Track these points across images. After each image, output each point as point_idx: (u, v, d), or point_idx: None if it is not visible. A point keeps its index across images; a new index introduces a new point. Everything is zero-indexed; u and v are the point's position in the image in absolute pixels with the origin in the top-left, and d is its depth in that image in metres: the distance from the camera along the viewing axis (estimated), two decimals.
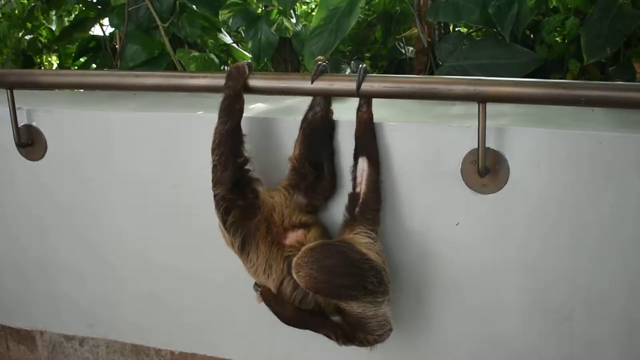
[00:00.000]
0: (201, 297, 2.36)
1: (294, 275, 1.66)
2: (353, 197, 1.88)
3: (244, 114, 1.90)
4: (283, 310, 1.84)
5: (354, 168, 1.90)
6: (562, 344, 1.98)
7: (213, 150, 1.84)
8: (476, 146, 1.81)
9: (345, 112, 1.97)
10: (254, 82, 1.91)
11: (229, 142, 1.83)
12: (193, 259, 2.31)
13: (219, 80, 1.90)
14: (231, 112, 1.84)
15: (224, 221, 1.85)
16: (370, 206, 1.83)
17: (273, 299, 1.85)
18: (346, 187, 1.95)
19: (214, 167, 1.83)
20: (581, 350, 1.97)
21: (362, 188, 1.85)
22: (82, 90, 3.19)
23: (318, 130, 1.97)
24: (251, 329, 2.30)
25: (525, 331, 2.01)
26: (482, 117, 1.76)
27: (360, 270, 1.66)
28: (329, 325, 1.80)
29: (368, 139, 1.89)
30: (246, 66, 1.91)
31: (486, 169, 1.83)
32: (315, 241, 1.78)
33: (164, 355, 2.53)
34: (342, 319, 1.77)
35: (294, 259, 1.67)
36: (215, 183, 1.83)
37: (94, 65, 4.22)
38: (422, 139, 1.92)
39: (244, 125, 1.89)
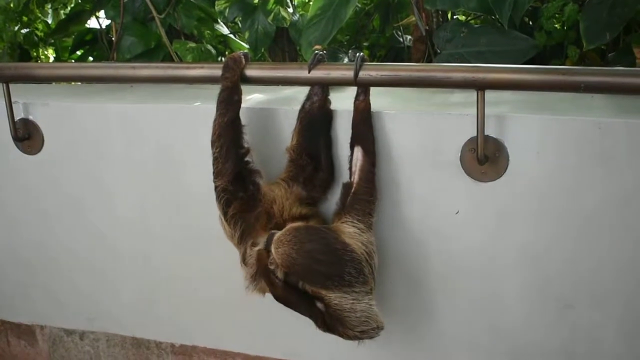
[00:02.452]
0: (201, 289, 2.36)
1: (272, 251, 1.66)
2: (346, 186, 1.88)
3: (242, 105, 1.89)
4: (272, 284, 1.83)
5: (350, 157, 1.89)
6: (564, 333, 1.98)
7: (213, 142, 1.83)
8: (475, 134, 1.80)
9: (343, 102, 1.97)
10: (251, 72, 1.90)
11: (229, 134, 1.82)
12: (193, 251, 2.31)
13: (216, 71, 1.89)
14: (230, 103, 1.83)
15: (224, 213, 1.84)
16: (361, 196, 1.82)
17: (265, 268, 1.84)
18: (345, 178, 1.94)
19: (215, 159, 1.82)
20: (584, 338, 1.97)
21: (355, 178, 1.85)
22: (78, 83, 3.18)
23: (315, 120, 1.96)
24: (252, 321, 2.30)
25: (526, 320, 2.01)
26: (481, 105, 1.75)
27: (339, 260, 1.65)
28: (312, 311, 1.78)
29: (364, 128, 1.89)
30: (243, 56, 1.90)
31: (485, 157, 1.83)
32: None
33: (165, 348, 2.54)
34: (325, 308, 1.76)
35: (277, 235, 1.67)
36: (217, 175, 1.82)
37: (90, 58, 4.22)
38: (420, 127, 1.92)
39: (242, 116, 1.88)
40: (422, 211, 1.99)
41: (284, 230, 1.69)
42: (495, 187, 1.88)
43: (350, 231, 1.75)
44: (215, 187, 1.83)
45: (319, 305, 1.74)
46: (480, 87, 1.73)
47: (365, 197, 1.82)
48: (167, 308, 2.45)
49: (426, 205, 1.98)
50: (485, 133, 1.80)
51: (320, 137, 1.98)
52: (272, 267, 1.74)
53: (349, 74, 1.82)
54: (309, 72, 1.86)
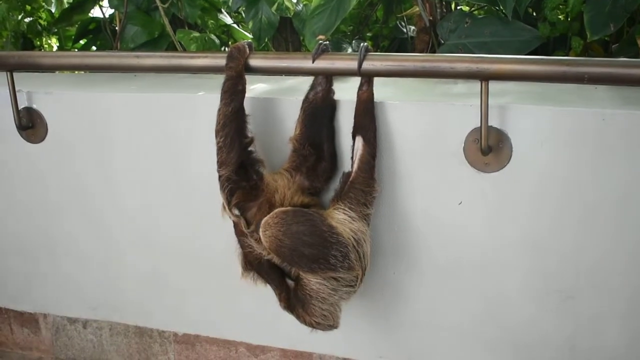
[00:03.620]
0: (204, 278, 2.37)
1: (260, 234, 1.67)
2: (345, 175, 1.88)
3: (246, 95, 1.89)
4: (246, 249, 1.85)
5: (352, 147, 1.90)
6: (567, 323, 1.99)
7: (217, 131, 1.82)
8: (479, 125, 1.80)
9: (347, 92, 1.97)
10: (254, 62, 1.90)
11: (234, 123, 1.82)
12: (196, 240, 2.31)
13: (220, 61, 1.89)
14: (234, 93, 1.83)
15: (228, 202, 1.84)
16: (357, 185, 1.82)
17: (241, 233, 1.85)
18: (348, 168, 1.94)
19: (219, 148, 1.82)
20: (585, 328, 1.98)
21: (354, 167, 1.85)
22: (82, 73, 3.18)
23: (319, 110, 1.96)
24: (254, 310, 2.31)
25: (529, 312, 2.01)
26: (485, 95, 1.75)
27: (325, 242, 1.66)
28: (278, 284, 1.82)
29: (366, 118, 1.89)
30: (247, 46, 1.90)
31: (489, 148, 1.83)
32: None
33: (167, 337, 2.54)
34: (294, 287, 1.77)
35: (265, 218, 1.68)
36: (221, 164, 1.82)
37: (93, 48, 4.23)
38: (424, 117, 1.92)
39: (246, 105, 1.88)
40: (425, 202, 1.99)
41: (271, 213, 1.70)
42: (498, 178, 1.89)
43: (339, 217, 1.76)
44: (219, 177, 1.83)
45: (289, 282, 1.79)
46: (485, 77, 1.73)
47: (361, 187, 1.82)
48: (170, 297, 2.46)
49: (429, 195, 1.98)
50: (489, 124, 1.80)
51: (323, 127, 1.98)
52: (249, 232, 1.79)
53: (353, 64, 1.82)
54: (313, 62, 1.85)
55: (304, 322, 1.81)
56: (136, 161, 2.30)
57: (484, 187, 1.91)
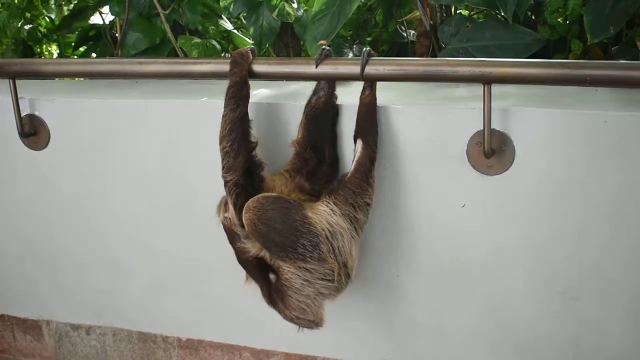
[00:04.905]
0: (208, 283, 2.37)
1: (243, 215, 1.70)
2: (342, 176, 1.88)
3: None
4: (235, 246, 1.85)
5: (354, 151, 1.90)
6: (570, 324, 1.99)
7: (223, 137, 1.82)
8: (482, 128, 1.81)
9: (349, 96, 1.98)
10: (258, 68, 1.91)
11: (240, 128, 1.82)
12: (199, 245, 2.32)
13: (224, 66, 1.90)
14: (240, 98, 1.83)
15: (235, 206, 1.85)
16: (349, 185, 1.81)
17: (231, 231, 1.86)
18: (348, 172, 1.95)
19: (226, 153, 1.82)
20: (589, 330, 1.99)
21: (351, 168, 1.85)
22: (82, 79, 3.18)
23: (321, 114, 1.98)
24: (258, 314, 2.29)
25: (532, 313, 2.02)
26: (488, 99, 1.76)
27: (295, 231, 1.67)
28: (261, 280, 1.82)
29: (367, 121, 1.90)
30: (250, 51, 1.90)
31: (492, 151, 1.84)
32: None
33: (171, 342, 2.55)
34: (275, 280, 1.78)
35: (248, 201, 1.71)
36: (228, 169, 1.81)
37: (94, 55, 4.23)
38: (427, 121, 1.93)
39: (249, 110, 1.88)
40: (428, 204, 2.00)
41: (254, 197, 1.72)
42: (501, 181, 1.90)
43: (320, 209, 1.76)
44: (227, 182, 1.82)
45: (272, 276, 1.78)
46: (487, 81, 1.74)
47: (353, 188, 1.81)
48: (174, 302, 2.46)
49: (433, 198, 1.99)
50: (492, 127, 1.81)
51: (325, 131, 2.00)
52: (237, 231, 1.80)
53: (356, 68, 1.83)
54: (316, 67, 1.87)
55: (285, 317, 1.82)
56: (139, 167, 2.31)
57: (487, 189, 1.92)
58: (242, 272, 1.91)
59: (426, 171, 1.97)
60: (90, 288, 2.56)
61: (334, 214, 1.76)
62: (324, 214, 1.75)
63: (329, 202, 1.77)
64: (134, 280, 2.48)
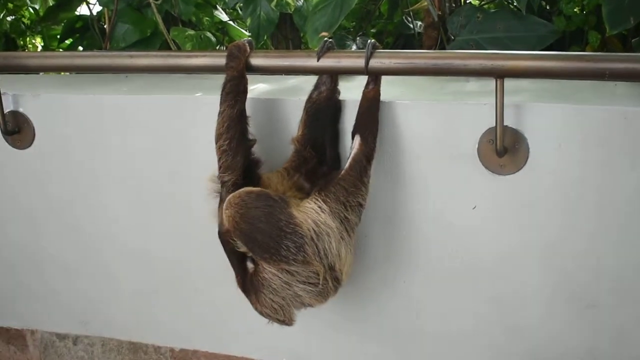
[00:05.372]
0: (202, 290, 2.38)
1: (224, 210, 1.69)
2: (336, 173, 1.86)
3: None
4: (221, 228, 1.84)
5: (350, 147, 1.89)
6: (587, 332, 2.00)
7: (220, 135, 1.82)
8: (494, 124, 1.81)
9: (352, 91, 1.98)
10: (256, 61, 1.91)
11: (238, 126, 1.83)
12: (192, 250, 2.32)
13: (220, 60, 1.89)
14: (237, 94, 1.84)
15: None
16: (342, 183, 1.79)
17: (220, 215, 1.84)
18: None
19: (223, 152, 1.82)
20: (607, 339, 1.99)
21: (345, 165, 1.83)
22: (69, 74, 3.19)
23: (322, 110, 1.98)
24: (255, 324, 2.27)
25: (547, 320, 2.02)
26: (500, 94, 1.75)
27: (279, 232, 1.66)
28: (237, 266, 1.82)
29: (368, 117, 1.89)
30: (247, 44, 1.90)
31: (504, 149, 1.84)
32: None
33: (164, 353, 2.55)
34: (253, 271, 1.78)
35: (230, 195, 1.70)
36: (226, 169, 1.81)
37: (80, 48, 4.22)
38: (436, 118, 1.93)
39: (246, 106, 1.88)
40: (437, 206, 2.00)
41: (237, 191, 1.71)
42: (514, 181, 1.89)
43: (307, 206, 1.75)
44: (225, 182, 1.82)
45: (249, 265, 1.79)
46: (500, 75, 1.73)
47: (345, 186, 1.79)
48: (166, 310, 2.47)
49: (442, 200, 1.99)
50: (505, 123, 1.80)
51: (326, 129, 2.00)
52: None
53: (360, 62, 1.82)
54: (318, 61, 1.86)
55: (256, 309, 1.84)
56: (129, 167, 2.31)
57: (500, 190, 1.92)
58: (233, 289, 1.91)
59: (434, 171, 1.97)
60: (78, 294, 2.56)
61: (322, 212, 1.74)
62: (310, 212, 1.73)
63: (317, 200, 1.76)
64: (124, 286, 2.49)
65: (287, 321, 1.84)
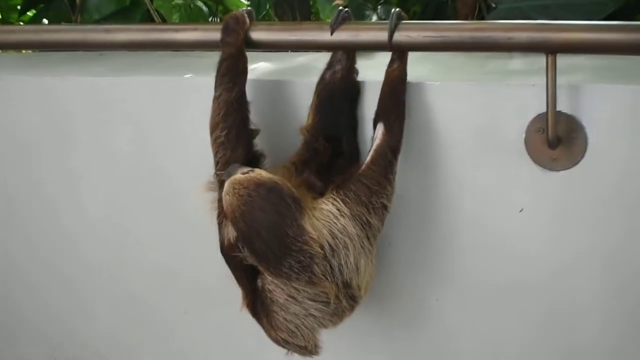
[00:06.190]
0: (195, 306, 2.38)
1: (223, 192, 1.67)
2: (356, 167, 1.84)
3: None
4: (222, 237, 1.84)
5: (372, 137, 1.88)
6: None
7: (216, 124, 1.82)
8: (544, 110, 1.80)
9: (374, 71, 1.97)
10: (257, 35, 1.90)
11: (238, 113, 1.82)
12: (182, 258, 2.33)
13: (213, 34, 1.89)
14: (235, 75, 1.83)
15: None
16: (364, 179, 1.77)
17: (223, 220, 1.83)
18: None
19: (220, 145, 1.81)
20: None
21: (367, 159, 1.81)
22: (32, 52, 3.19)
23: (337, 94, 1.98)
24: (257, 346, 2.29)
25: (605, 337, 2.02)
26: (552, 73, 1.74)
27: (283, 248, 1.63)
28: (246, 284, 1.81)
29: (393, 101, 1.88)
30: (246, 15, 1.90)
31: (558, 139, 1.83)
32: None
33: None
34: (261, 287, 1.76)
35: (235, 176, 1.67)
36: (224, 165, 1.80)
37: (45, 21, 4.23)
38: (473, 102, 1.93)
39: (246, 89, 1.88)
40: (475, 210, 2.00)
41: (245, 176, 1.67)
42: (569, 177, 1.89)
43: (324, 208, 1.72)
44: (222, 182, 1.82)
45: (259, 282, 1.77)
46: (552, 50, 1.72)
47: (368, 183, 1.77)
48: (153, 329, 2.48)
49: (481, 201, 1.99)
50: (557, 108, 1.79)
51: (342, 116, 2.00)
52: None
53: (383, 35, 1.81)
54: (331, 34, 1.86)
55: (271, 338, 1.82)
56: (106, 161, 2.32)
57: (552, 189, 1.91)
58: (236, 295, 1.91)
59: (472, 166, 1.97)
60: (46, 316, 2.58)
61: (342, 215, 1.72)
62: (328, 217, 1.71)
63: (336, 200, 1.74)
64: (103, 302, 2.50)
65: (310, 348, 1.81)
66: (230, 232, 1.77)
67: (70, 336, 2.58)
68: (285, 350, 1.86)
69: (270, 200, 1.65)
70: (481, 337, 2.13)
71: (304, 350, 1.82)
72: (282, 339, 1.80)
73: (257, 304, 1.80)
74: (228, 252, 1.79)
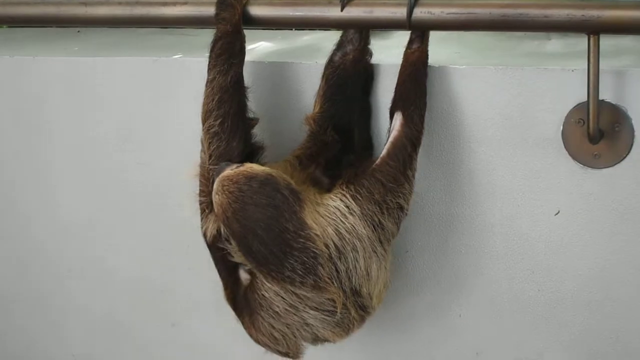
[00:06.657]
0: (181, 320, 2.37)
1: (213, 193, 1.65)
2: (369, 162, 1.83)
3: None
4: (207, 232, 1.82)
5: (389, 128, 1.86)
6: None
7: (209, 111, 1.80)
8: (585, 99, 1.77)
9: (390, 52, 1.96)
10: (256, 11, 1.88)
11: (234, 99, 1.80)
12: (167, 267, 2.32)
13: (206, 9, 1.87)
14: (231, 56, 1.81)
15: None
16: (378, 175, 1.76)
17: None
18: None
19: (214, 135, 1.79)
20: None
21: (382, 152, 1.80)
22: None
23: (348, 78, 1.96)
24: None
25: None
26: (594, 56, 1.72)
27: (284, 247, 1.62)
28: (227, 275, 1.81)
29: (412, 87, 1.86)
30: None
31: (600, 132, 1.81)
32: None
33: None
34: (248, 285, 1.76)
35: (225, 171, 1.65)
36: (218, 158, 1.78)
37: None
38: (504, 89, 1.91)
39: (244, 73, 1.86)
40: (506, 211, 1.99)
41: (234, 171, 1.66)
42: (613, 176, 1.87)
43: (331, 204, 1.71)
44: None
45: (243, 275, 1.77)
46: (594, 30, 1.70)
47: (383, 179, 1.76)
48: (134, 348, 2.46)
49: (512, 202, 1.97)
50: (600, 97, 1.77)
51: (354, 103, 1.99)
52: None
53: (400, 11, 1.79)
54: (342, 10, 1.83)
55: (250, 335, 1.82)
56: (84, 153, 2.30)
57: (593, 188, 1.90)
58: (230, 309, 1.90)
59: (502, 162, 1.95)
60: (13, 331, 2.57)
61: (351, 213, 1.71)
62: (334, 214, 1.70)
63: (345, 195, 1.73)
64: (78, 318, 2.48)
65: (291, 354, 1.82)
66: (212, 227, 1.77)
67: (42, 356, 2.58)
68: None
69: (264, 193, 1.63)
70: (509, 353, 2.12)
71: (284, 355, 1.83)
72: (262, 341, 1.81)
73: (239, 298, 1.80)
74: (211, 244, 1.79)
